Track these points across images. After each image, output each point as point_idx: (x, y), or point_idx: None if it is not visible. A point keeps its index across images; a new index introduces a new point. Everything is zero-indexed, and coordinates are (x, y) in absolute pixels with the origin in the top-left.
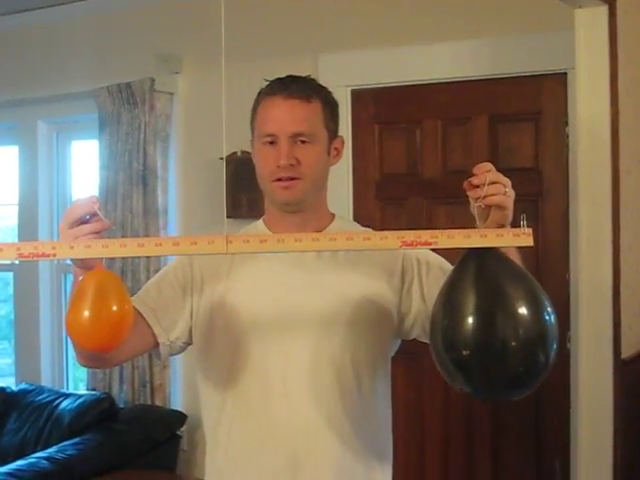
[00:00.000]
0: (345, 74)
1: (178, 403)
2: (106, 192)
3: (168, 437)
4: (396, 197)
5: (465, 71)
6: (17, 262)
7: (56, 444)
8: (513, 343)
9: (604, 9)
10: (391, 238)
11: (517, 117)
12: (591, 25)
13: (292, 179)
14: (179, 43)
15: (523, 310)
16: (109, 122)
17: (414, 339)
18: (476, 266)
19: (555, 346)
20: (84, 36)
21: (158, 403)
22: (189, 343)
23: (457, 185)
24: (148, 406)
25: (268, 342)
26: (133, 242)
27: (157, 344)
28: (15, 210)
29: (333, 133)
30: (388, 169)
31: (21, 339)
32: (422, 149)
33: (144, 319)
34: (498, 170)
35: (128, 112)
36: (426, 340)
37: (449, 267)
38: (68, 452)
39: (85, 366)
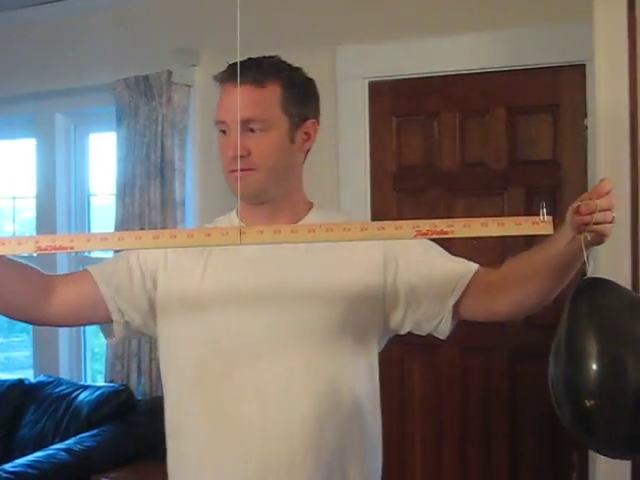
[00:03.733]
0: (363, 66)
1: None
2: (124, 185)
3: None
4: (414, 189)
5: (483, 63)
6: (35, 255)
7: (74, 436)
8: None
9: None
10: (405, 228)
11: (535, 109)
12: (610, 16)
13: (244, 170)
14: (196, 36)
15: None
16: (126, 114)
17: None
18: (590, 300)
19: None
20: (101, 29)
21: None
22: (143, 332)
23: (475, 178)
24: None
25: (239, 342)
26: (148, 234)
27: (109, 320)
28: (33, 203)
29: (298, 117)
30: (405, 161)
31: (39, 331)
32: (440, 141)
33: (99, 291)
34: (517, 162)
35: (145, 104)
36: (422, 333)
37: (436, 251)
38: (86, 444)
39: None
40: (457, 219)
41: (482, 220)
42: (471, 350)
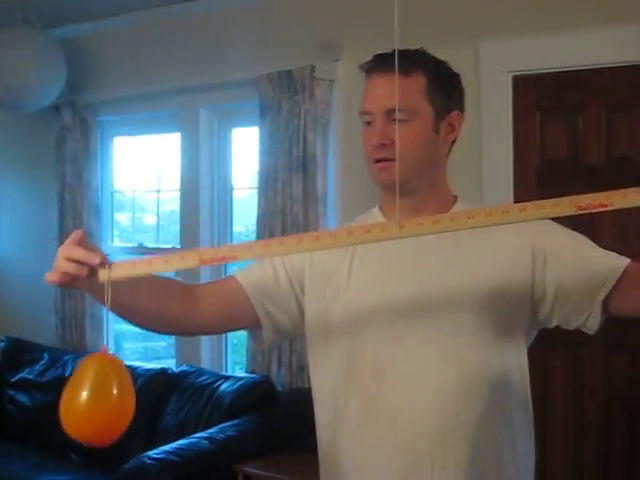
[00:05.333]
0: (506, 60)
1: None
2: (266, 178)
3: None
4: (557, 184)
5: (630, 56)
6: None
7: (216, 425)
8: None
9: None
10: (564, 205)
11: None
12: None
13: (388, 160)
14: (339, 30)
15: None
16: (269, 109)
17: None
18: None
19: None
20: (244, 24)
21: None
22: (292, 335)
23: (621, 173)
24: (306, 389)
25: (388, 341)
26: (308, 237)
27: (257, 325)
28: (175, 196)
29: (443, 108)
30: (549, 156)
31: None
32: (585, 136)
33: (247, 297)
34: None
35: (288, 99)
36: (570, 328)
37: (585, 244)
38: (228, 433)
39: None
40: (614, 191)
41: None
42: (615, 349)
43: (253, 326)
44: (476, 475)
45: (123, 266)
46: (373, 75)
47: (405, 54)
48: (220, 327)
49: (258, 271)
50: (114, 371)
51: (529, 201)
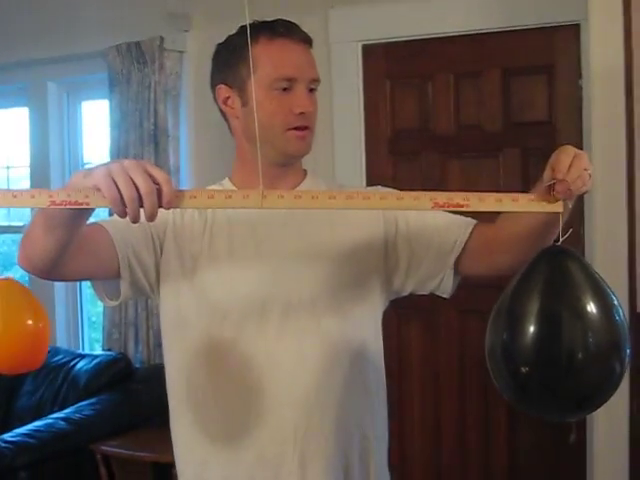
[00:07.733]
0: (356, 29)
1: None
2: (117, 152)
3: None
4: (409, 152)
5: (477, 24)
6: None
7: (73, 405)
8: (582, 356)
9: None
10: (423, 199)
11: (530, 70)
12: None
13: (307, 129)
14: (188, 1)
15: (593, 315)
16: (119, 82)
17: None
18: (545, 270)
19: (628, 350)
20: None
21: None
22: (145, 293)
23: (470, 139)
24: (163, 365)
25: (245, 308)
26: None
27: (115, 277)
28: (27, 171)
29: None
30: (400, 124)
31: None
32: (434, 104)
33: (113, 244)
34: (512, 124)
35: (138, 71)
36: (425, 292)
37: (429, 215)
38: (85, 412)
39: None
40: (473, 193)
41: (496, 195)
42: (468, 313)
43: (111, 277)
44: (339, 443)
45: None
46: (285, 40)
47: (295, 25)
48: (85, 274)
49: (124, 221)
50: (24, 296)
51: (380, 170)
